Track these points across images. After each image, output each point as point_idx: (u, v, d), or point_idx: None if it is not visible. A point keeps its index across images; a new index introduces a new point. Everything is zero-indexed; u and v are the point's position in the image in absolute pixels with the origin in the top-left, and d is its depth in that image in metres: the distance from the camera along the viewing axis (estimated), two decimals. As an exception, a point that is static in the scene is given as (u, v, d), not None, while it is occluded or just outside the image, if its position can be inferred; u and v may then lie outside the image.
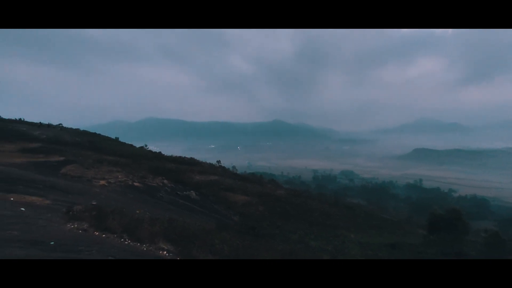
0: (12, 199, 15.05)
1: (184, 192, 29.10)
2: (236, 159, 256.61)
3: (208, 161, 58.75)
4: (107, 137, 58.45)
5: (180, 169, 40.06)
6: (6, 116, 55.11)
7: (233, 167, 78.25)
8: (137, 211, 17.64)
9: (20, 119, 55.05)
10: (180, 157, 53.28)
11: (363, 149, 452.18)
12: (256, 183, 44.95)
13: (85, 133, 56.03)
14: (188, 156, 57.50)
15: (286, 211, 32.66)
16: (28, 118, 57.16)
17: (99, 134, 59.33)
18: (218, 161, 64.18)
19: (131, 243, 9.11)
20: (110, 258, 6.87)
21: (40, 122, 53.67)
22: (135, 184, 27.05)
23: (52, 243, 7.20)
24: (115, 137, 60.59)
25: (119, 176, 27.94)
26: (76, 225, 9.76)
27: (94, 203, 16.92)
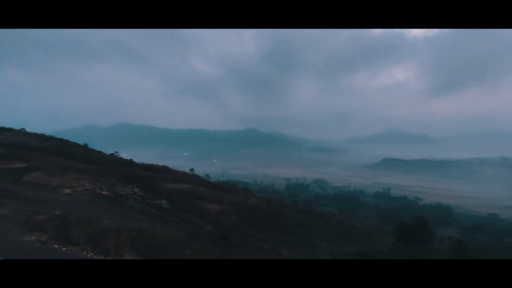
0: (-36, 209, 13.98)
1: (155, 201, 28.34)
2: (210, 167, 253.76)
3: (181, 169, 57.64)
4: (75, 143, 55.95)
5: (152, 177, 38.97)
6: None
7: (207, 175, 77.24)
8: (104, 221, 16.93)
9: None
10: (152, 164, 51.85)
11: (335, 158, 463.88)
12: (229, 192, 44.52)
13: (51, 139, 53.29)
14: (160, 163, 56.10)
15: (259, 220, 32.53)
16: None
17: (66, 140, 56.68)
18: (192, 169, 63.20)
19: (94, 256, 8.67)
20: None
21: (1, 127, 50.65)
22: (103, 192, 26.00)
23: (1, 258, 6.43)
24: (84, 143, 58.16)
25: (87, 184, 26.79)
26: (34, 237, 9.19)
27: (58, 212, 16.05)
